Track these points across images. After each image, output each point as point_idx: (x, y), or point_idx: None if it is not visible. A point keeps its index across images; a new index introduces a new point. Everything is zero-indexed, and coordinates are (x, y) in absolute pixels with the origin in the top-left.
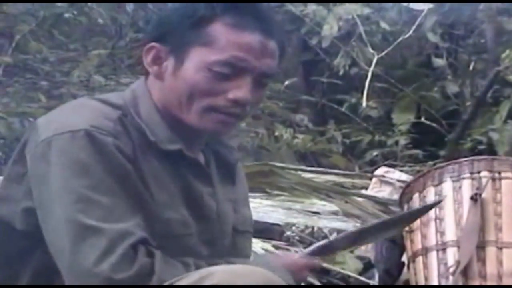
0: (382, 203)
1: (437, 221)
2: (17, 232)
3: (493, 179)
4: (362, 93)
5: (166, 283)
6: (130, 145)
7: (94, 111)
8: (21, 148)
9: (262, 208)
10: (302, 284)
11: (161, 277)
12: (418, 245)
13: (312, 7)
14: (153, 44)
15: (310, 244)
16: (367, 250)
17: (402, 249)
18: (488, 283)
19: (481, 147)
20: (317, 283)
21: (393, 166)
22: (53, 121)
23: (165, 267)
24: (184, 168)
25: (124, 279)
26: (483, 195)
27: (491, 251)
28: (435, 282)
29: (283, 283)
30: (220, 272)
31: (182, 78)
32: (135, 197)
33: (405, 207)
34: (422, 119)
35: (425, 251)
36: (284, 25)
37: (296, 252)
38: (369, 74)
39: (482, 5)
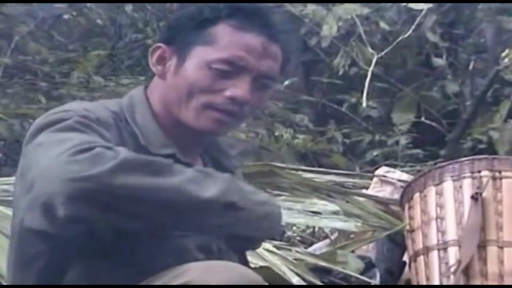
0: (383, 203)
1: (438, 220)
2: (25, 232)
3: (494, 179)
4: (362, 93)
5: (143, 282)
6: (116, 137)
7: (91, 105)
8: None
9: None
10: (304, 284)
11: (130, 153)
12: (419, 245)
13: (311, 7)
14: (158, 44)
15: (311, 244)
16: (368, 249)
17: (403, 248)
18: (489, 282)
19: (481, 146)
20: (318, 282)
21: (394, 166)
22: (47, 113)
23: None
24: None
25: (85, 157)
26: (484, 195)
27: (492, 250)
28: (436, 281)
29: (259, 278)
30: (194, 268)
31: (182, 75)
32: None
33: (406, 206)
34: (422, 119)
35: (426, 250)
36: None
37: (298, 252)
38: (369, 74)
39: (481, 5)
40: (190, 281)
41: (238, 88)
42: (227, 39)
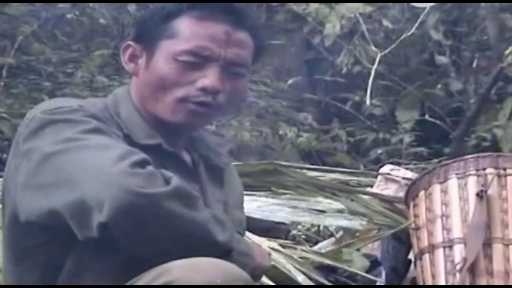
0: (388, 201)
1: (443, 218)
2: (21, 226)
3: (499, 176)
4: (366, 91)
5: (129, 282)
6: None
7: (81, 100)
8: (15, 141)
9: (268, 207)
10: (308, 283)
11: (180, 182)
12: (425, 243)
13: (314, 5)
14: (128, 43)
15: (316, 242)
16: (373, 248)
17: (409, 246)
18: (495, 280)
19: (486, 144)
20: (323, 281)
21: (398, 164)
22: (41, 106)
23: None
24: (166, 163)
25: (142, 173)
26: (489, 192)
27: (497, 248)
28: (442, 279)
29: (245, 275)
30: (177, 267)
31: (152, 71)
32: None
33: (411, 204)
34: (426, 117)
35: (432, 248)
36: (286, 24)
37: (303, 250)
38: (372, 72)
39: (484, 3)
40: (174, 280)
41: (207, 78)
42: (190, 30)
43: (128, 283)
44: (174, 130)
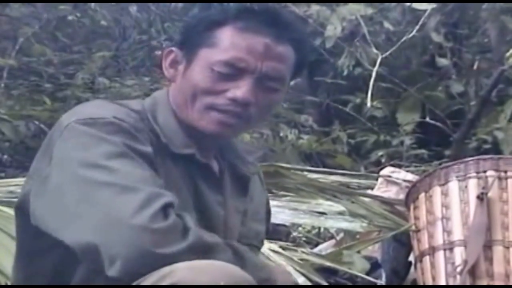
0: (389, 203)
1: (444, 220)
2: (34, 227)
3: (499, 178)
4: (367, 93)
5: (134, 283)
6: (148, 142)
7: (117, 108)
8: (45, 144)
9: None
10: (310, 284)
11: (198, 233)
12: (425, 245)
13: (315, 7)
14: (171, 48)
15: (317, 244)
16: (374, 250)
17: (409, 248)
18: (496, 282)
19: (486, 146)
20: (324, 283)
21: (399, 166)
22: (76, 112)
23: (199, 229)
24: (197, 173)
25: (161, 228)
26: (490, 194)
27: (498, 250)
28: (442, 281)
29: (248, 277)
30: (181, 269)
31: (188, 78)
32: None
33: (412, 206)
34: (427, 119)
35: (432, 250)
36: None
37: (303, 252)
38: (373, 74)
39: (485, 4)
40: (179, 281)
41: (239, 89)
42: (229, 41)
43: (135, 283)
44: (203, 138)
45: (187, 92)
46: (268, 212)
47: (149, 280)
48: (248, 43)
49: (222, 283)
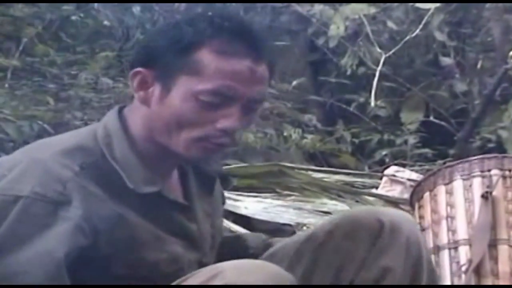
0: (393, 202)
1: (448, 219)
2: None
3: (504, 177)
4: (370, 93)
5: (174, 283)
6: (92, 199)
7: (44, 173)
8: None
9: (273, 209)
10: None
11: None
12: (430, 244)
13: (318, 7)
14: (139, 69)
15: None
16: None
17: None
18: (501, 281)
19: (491, 145)
20: None
21: (403, 165)
22: (7, 179)
23: None
24: (164, 206)
25: None
26: (494, 193)
27: (503, 249)
28: (447, 280)
29: (290, 277)
30: (229, 269)
31: (169, 106)
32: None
33: (416, 205)
34: (431, 118)
35: (437, 249)
36: (291, 25)
37: None
38: (377, 74)
39: (489, 3)
40: (228, 282)
41: (229, 119)
42: (212, 67)
43: (174, 283)
44: (177, 161)
45: (169, 121)
46: (223, 202)
47: (194, 280)
48: (233, 69)
49: (270, 283)
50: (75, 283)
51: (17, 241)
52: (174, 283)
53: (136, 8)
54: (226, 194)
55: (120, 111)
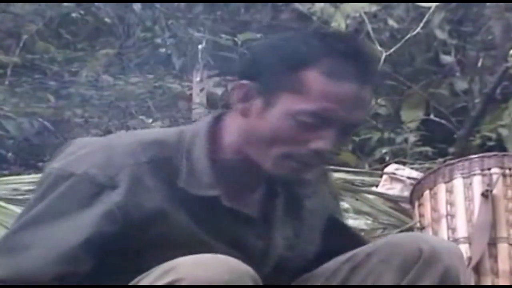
0: (393, 201)
1: (448, 217)
2: None
3: (504, 176)
4: None
5: (131, 283)
6: (141, 190)
7: (106, 158)
8: None
9: None
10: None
11: None
12: None
13: (319, 5)
14: (245, 82)
15: None
16: None
17: None
18: (500, 279)
19: (491, 143)
20: None
21: (403, 163)
22: (72, 157)
23: None
24: (221, 213)
25: None
26: (494, 192)
27: (503, 247)
28: None
29: (250, 271)
30: (184, 264)
31: (267, 120)
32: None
33: (416, 204)
34: (431, 116)
35: None
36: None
37: None
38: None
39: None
40: (180, 278)
41: (323, 141)
42: (318, 89)
43: (133, 282)
44: (263, 174)
45: (263, 134)
46: (335, 214)
47: (150, 276)
48: (337, 92)
49: (226, 278)
50: (102, 269)
51: (54, 214)
52: (132, 282)
53: (137, 5)
54: None
55: (219, 117)
